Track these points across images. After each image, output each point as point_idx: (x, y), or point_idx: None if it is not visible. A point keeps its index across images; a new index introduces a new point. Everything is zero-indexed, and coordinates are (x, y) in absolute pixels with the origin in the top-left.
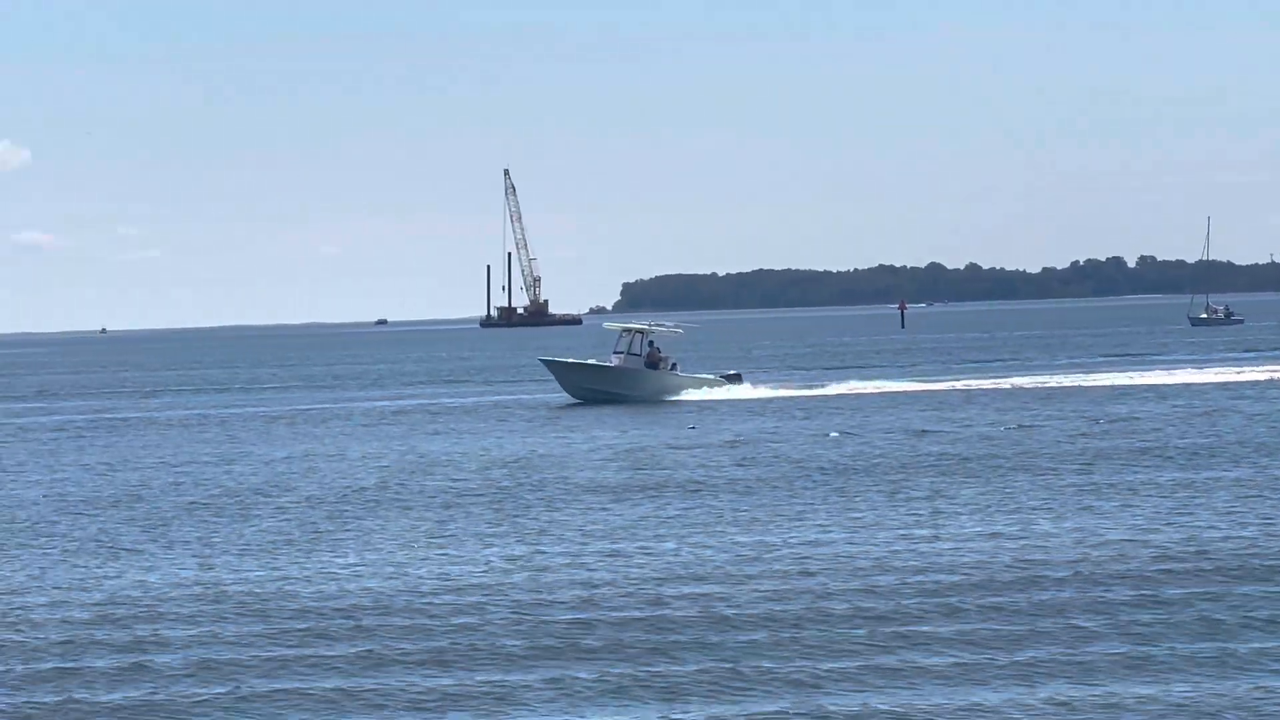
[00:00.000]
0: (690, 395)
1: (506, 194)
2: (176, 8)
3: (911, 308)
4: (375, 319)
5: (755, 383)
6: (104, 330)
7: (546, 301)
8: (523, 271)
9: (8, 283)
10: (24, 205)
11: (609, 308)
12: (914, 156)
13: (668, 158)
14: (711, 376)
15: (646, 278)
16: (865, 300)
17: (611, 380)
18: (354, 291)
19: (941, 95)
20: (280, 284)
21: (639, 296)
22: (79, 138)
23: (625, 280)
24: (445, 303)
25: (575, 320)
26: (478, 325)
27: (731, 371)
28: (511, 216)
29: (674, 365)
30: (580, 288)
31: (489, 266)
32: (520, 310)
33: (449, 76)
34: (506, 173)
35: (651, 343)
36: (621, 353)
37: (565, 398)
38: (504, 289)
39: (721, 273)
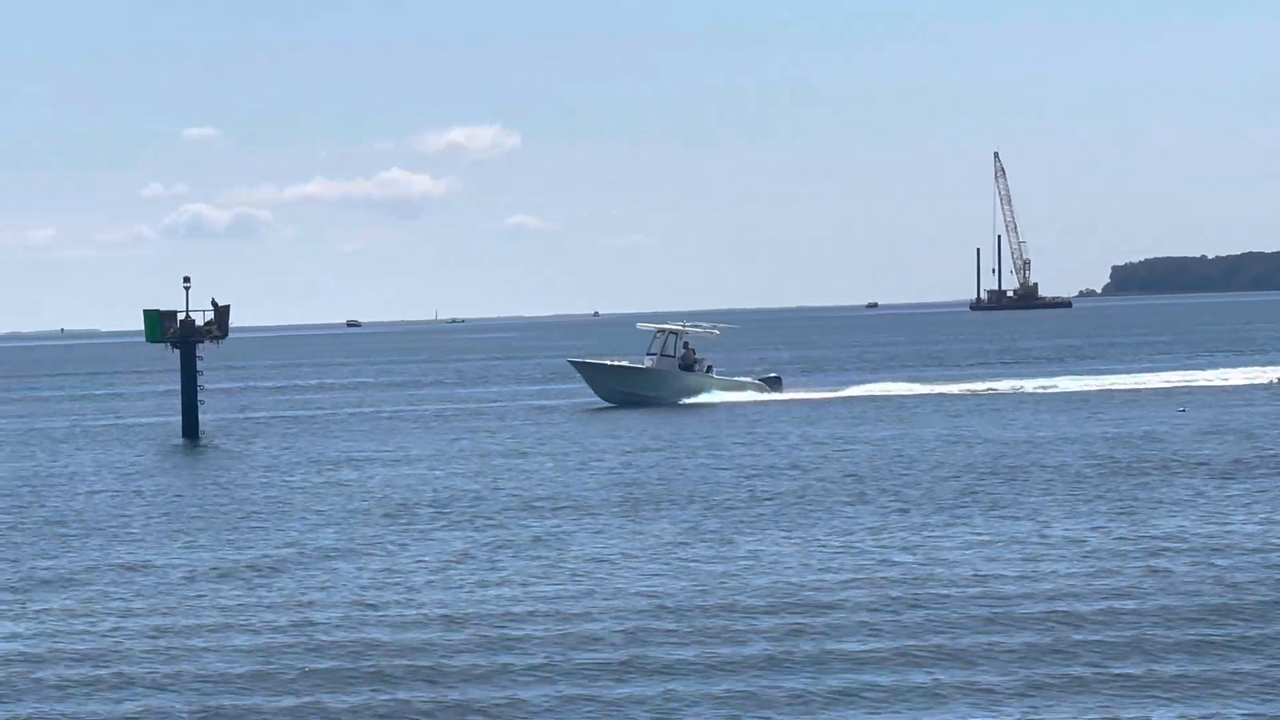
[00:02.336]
0: (722, 397)
1: (996, 177)
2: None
3: None
4: (865, 302)
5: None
6: (596, 314)
7: (1036, 285)
8: (1012, 254)
9: (500, 266)
10: (515, 189)
11: (1098, 290)
12: None
13: (1155, 140)
14: (749, 379)
15: (1135, 260)
16: None
17: (644, 382)
18: (844, 274)
19: None
20: (769, 266)
21: (1127, 279)
22: (568, 121)
23: (1114, 263)
24: (935, 285)
25: (1065, 303)
26: (967, 308)
27: (772, 374)
28: (1001, 199)
29: (709, 367)
30: (1069, 271)
31: (978, 249)
32: (1010, 293)
33: (940, 61)
34: (996, 155)
35: (686, 344)
36: (655, 354)
37: (598, 400)
38: (994, 272)
39: (1211, 255)
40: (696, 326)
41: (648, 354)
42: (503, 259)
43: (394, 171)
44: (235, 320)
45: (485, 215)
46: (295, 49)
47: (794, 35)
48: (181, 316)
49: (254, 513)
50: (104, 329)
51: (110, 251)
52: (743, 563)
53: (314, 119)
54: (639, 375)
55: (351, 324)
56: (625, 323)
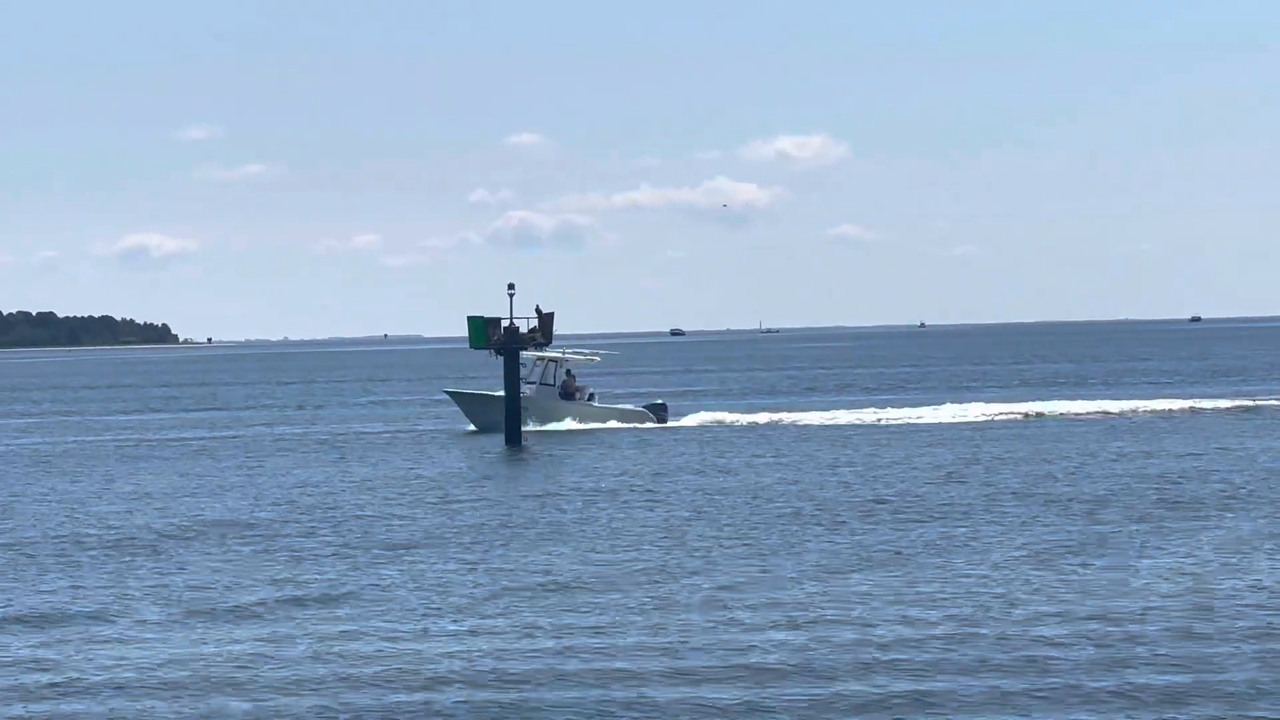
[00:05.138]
0: (603, 426)
1: None
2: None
3: None
4: (1189, 316)
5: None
6: (922, 325)
7: None
8: None
9: (825, 276)
10: (842, 199)
11: None
12: None
13: None
14: (633, 407)
15: None
16: None
17: (521, 412)
18: (1167, 288)
19: None
20: (1092, 279)
21: None
22: (896, 132)
23: None
24: (1260, 299)
25: None
26: None
27: (658, 401)
28: None
29: (591, 395)
30: None
31: None
32: None
33: (1260, 67)
34: None
35: (569, 372)
36: (534, 383)
37: (471, 427)
38: None
39: None
40: (578, 354)
41: (526, 383)
42: (827, 269)
43: (720, 180)
44: (559, 327)
45: (810, 225)
46: (623, 57)
47: (1114, 45)
48: (506, 323)
49: (631, 522)
50: (427, 335)
51: (435, 257)
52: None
53: (641, 127)
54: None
55: (675, 332)
56: (952, 333)
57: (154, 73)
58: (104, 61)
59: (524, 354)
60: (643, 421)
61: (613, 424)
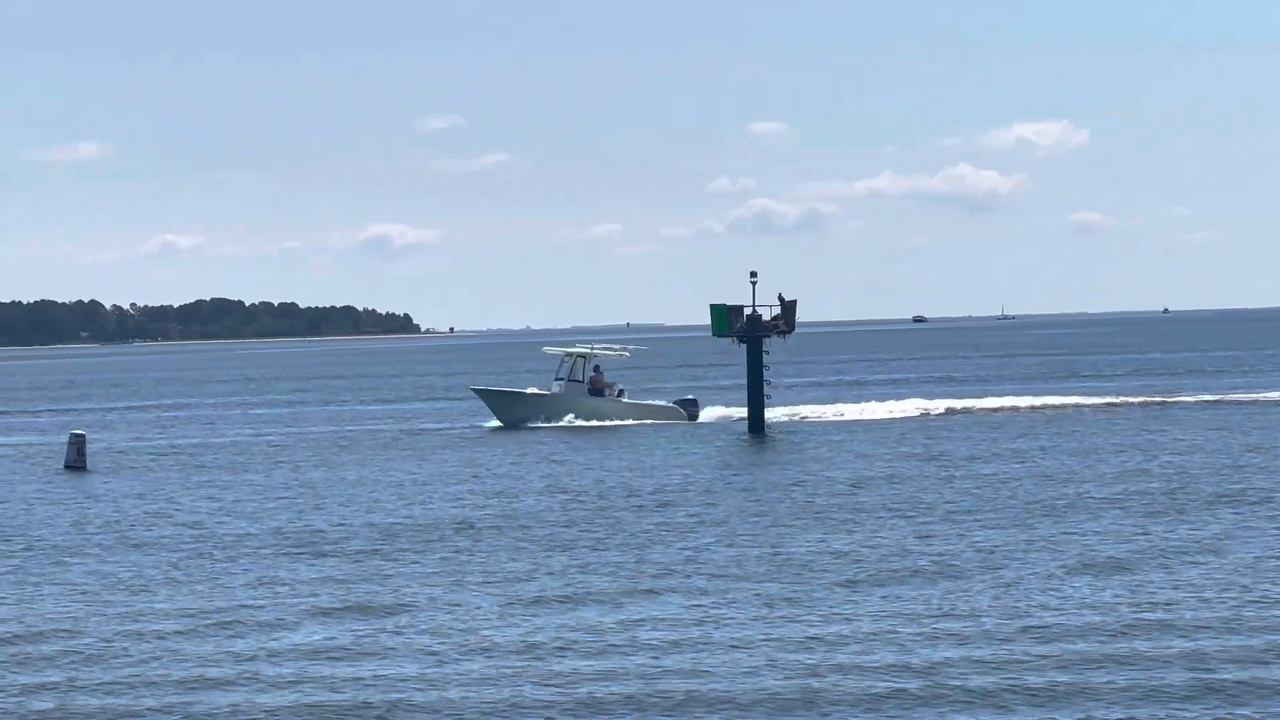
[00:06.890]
0: (634, 423)
1: None
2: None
3: None
4: None
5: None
6: (1166, 310)
7: None
8: None
9: (1065, 263)
10: (1082, 186)
11: None
12: None
13: None
14: (663, 403)
15: None
16: None
17: (550, 409)
18: None
19: None
20: None
21: None
22: (1136, 118)
23: None
24: None
25: None
26: None
27: (689, 397)
28: None
29: (620, 391)
30: None
31: None
32: None
33: None
34: None
35: (597, 368)
36: (563, 379)
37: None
38: None
39: None
40: (607, 349)
41: (555, 379)
42: (1067, 255)
43: (962, 167)
44: (802, 315)
45: (1051, 212)
46: (865, 45)
47: None
48: (748, 311)
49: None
50: (668, 323)
51: (675, 246)
52: None
53: (882, 115)
54: (545, 402)
55: (918, 319)
56: (1195, 320)
57: (397, 63)
58: (348, 52)
59: (550, 349)
60: (674, 418)
61: (643, 420)
